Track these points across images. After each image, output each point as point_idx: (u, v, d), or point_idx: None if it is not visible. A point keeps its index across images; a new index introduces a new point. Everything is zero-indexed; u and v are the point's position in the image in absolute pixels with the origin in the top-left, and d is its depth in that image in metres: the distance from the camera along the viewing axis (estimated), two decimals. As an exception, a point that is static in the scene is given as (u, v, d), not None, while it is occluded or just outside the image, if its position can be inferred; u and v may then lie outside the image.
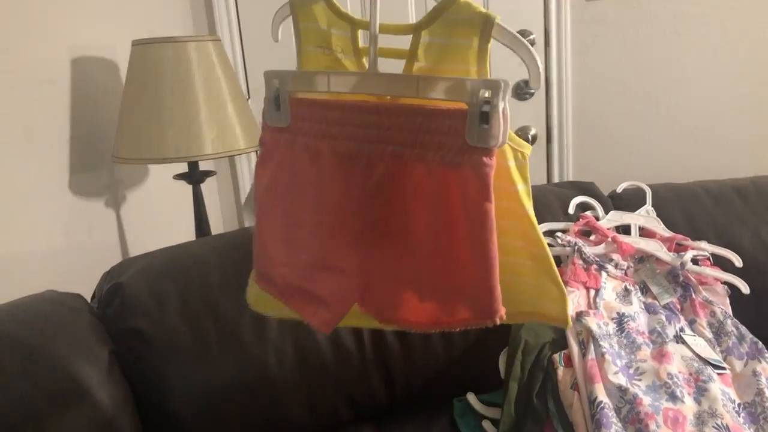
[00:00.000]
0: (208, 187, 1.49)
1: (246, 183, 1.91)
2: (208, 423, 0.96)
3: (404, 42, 0.65)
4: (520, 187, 0.64)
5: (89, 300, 1.03)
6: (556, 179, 1.87)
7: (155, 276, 0.98)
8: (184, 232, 1.65)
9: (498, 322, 0.61)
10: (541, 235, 0.66)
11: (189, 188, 1.49)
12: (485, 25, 0.58)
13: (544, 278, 0.68)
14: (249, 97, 1.85)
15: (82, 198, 1.38)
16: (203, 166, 1.48)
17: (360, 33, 0.68)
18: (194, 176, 1.43)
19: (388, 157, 0.62)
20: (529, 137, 1.83)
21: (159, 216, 1.65)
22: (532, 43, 1.77)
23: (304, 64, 0.71)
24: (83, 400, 0.85)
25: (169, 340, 0.94)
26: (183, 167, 1.46)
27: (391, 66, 0.65)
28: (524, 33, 1.77)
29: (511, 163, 0.64)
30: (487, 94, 0.57)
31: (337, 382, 1.02)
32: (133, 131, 1.30)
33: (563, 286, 0.67)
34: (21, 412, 0.79)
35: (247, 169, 1.89)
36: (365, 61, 0.67)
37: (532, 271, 0.68)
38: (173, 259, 1.01)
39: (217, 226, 1.82)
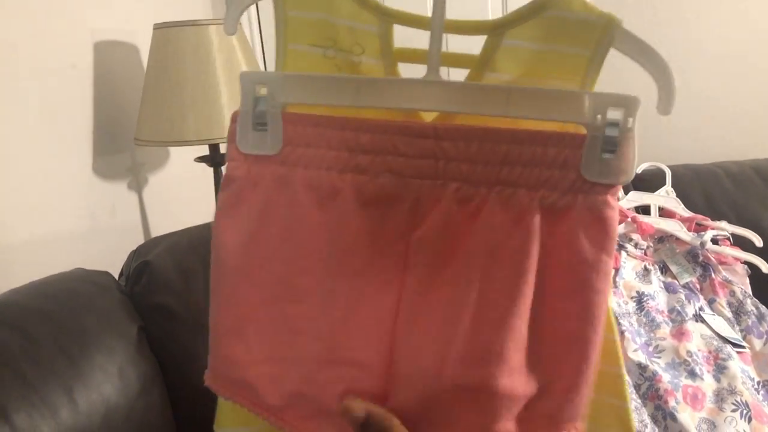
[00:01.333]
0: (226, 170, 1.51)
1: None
2: (234, 398, 0.98)
3: (467, 46, 0.49)
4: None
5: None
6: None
7: (182, 254, 1.00)
8: (204, 214, 1.67)
9: (579, 430, 0.44)
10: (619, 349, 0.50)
11: (209, 171, 1.51)
12: (607, 30, 0.45)
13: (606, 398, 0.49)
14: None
15: (105, 180, 1.40)
16: (223, 149, 1.49)
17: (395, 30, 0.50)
18: (215, 159, 1.45)
19: (450, 200, 0.45)
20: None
21: (180, 198, 1.67)
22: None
23: (289, 70, 0.50)
24: (114, 376, 0.87)
25: (196, 316, 0.96)
26: (204, 150, 1.48)
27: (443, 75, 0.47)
28: None
29: None
30: (616, 115, 0.44)
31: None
32: (155, 114, 1.32)
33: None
34: (55, 387, 0.81)
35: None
36: (399, 68, 0.49)
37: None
38: (199, 237, 1.03)
39: (236, 209, 1.84)
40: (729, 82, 1.76)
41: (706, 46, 1.74)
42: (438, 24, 0.46)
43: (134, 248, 1.07)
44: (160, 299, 0.97)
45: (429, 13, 0.46)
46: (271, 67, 1.93)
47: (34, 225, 1.19)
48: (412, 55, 0.50)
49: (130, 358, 0.90)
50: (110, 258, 1.16)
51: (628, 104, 0.44)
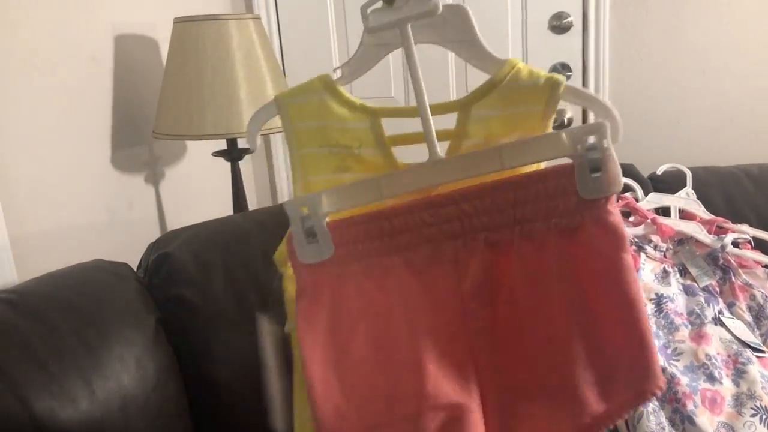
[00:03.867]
0: (243, 165, 1.52)
1: (280, 162, 1.93)
2: (249, 391, 0.98)
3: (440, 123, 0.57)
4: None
5: (134, 270, 1.05)
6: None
7: (200, 247, 1.00)
8: (221, 209, 1.68)
9: (664, 389, 0.54)
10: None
11: (226, 166, 1.51)
12: (553, 90, 0.55)
13: None
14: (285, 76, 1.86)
15: (123, 173, 1.41)
16: (241, 144, 1.50)
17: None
18: (233, 153, 1.45)
19: (482, 248, 0.54)
20: (565, 120, 1.82)
21: (197, 192, 1.67)
22: (570, 26, 1.76)
23: (305, 170, 0.62)
24: (132, 366, 0.88)
25: (214, 309, 0.96)
26: (221, 144, 1.48)
27: (422, 152, 0.57)
28: (562, 15, 1.75)
29: None
30: (591, 140, 0.51)
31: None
32: (174, 108, 1.32)
33: None
34: (74, 376, 0.82)
35: (281, 147, 1.91)
36: (394, 151, 0.60)
37: None
38: (217, 231, 1.03)
39: (251, 204, 1.85)
40: (750, 84, 1.74)
41: (726, 49, 1.72)
42: (425, 114, 0.56)
43: (151, 241, 1.08)
44: (179, 291, 0.97)
45: (395, 94, 0.60)
46: (289, 60, 1.93)
47: (53, 216, 1.20)
48: (402, 140, 0.61)
49: (147, 349, 0.90)
50: (127, 250, 1.17)
51: (599, 130, 0.51)
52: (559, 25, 1.76)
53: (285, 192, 1.96)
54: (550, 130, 0.55)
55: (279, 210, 1.11)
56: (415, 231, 0.55)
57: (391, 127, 0.62)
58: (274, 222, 1.06)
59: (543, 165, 0.56)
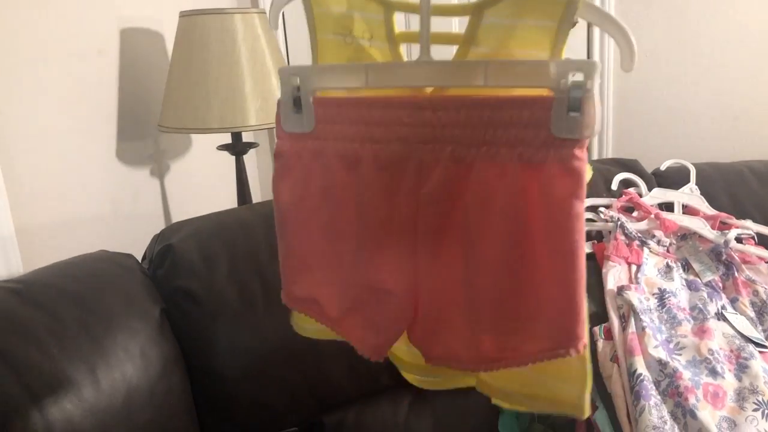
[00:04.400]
0: (247, 158, 1.52)
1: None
2: (252, 383, 0.99)
3: (453, 26, 0.56)
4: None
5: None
6: (595, 156, 1.86)
7: (205, 239, 1.01)
8: (225, 202, 1.68)
9: (581, 351, 0.51)
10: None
11: (231, 159, 1.52)
12: (570, 5, 0.50)
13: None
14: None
15: (128, 166, 1.41)
16: (245, 138, 1.50)
17: (396, 16, 0.59)
18: (237, 147, 1.45)
19: (447, 160, 0.54)
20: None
21: (201, 185, 1.68)
22: (575, 22, 1.75)
23: (322, 57, 0.62)
24: (136, 356, 0.88)
25: (218, 301, 0.97)
26: (226, 138, 1.49)
27: (436, 53, 0.56)
28: None
29: None
30: (577, 77, 0.49)
31: (378, 348, 1.04)
32: (180, 101, 1.33)
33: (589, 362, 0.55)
34: (79, 365, 0.82)
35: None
36: (402, 49, 0.59)
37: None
38: (222, 223, 1.04)
39: (255, 198, 1.85)
40: (755, 81, 1.74)
41: (731, 46, 1.72)
42: (426, 10, 0.55)
43: (155, 234, 1.08)
44: (183, 283, 0.98)
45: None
46: (294, 53, 1.93)
47: (58, 208, 1.20)
48: (411, 37, 0.58)
49: (152, 339, 0.91)
50: (132, 242, 1.17)
51: (588, 68, 0.48)
52: None
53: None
54: (562, 55, 0.51)
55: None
56: (391, 127, 0.56)
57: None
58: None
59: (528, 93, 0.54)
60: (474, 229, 0.54)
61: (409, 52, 0.61)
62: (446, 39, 0.57)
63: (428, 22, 0.55)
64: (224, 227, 1.03)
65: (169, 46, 1.53)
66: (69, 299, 0.87)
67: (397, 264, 0.58)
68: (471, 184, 0.53)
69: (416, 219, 0.56)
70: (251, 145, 1.48)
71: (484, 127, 0.52)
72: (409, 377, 0.74)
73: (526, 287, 0.53)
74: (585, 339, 0.51)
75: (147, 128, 1.48)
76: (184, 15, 1.34)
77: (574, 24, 0.51)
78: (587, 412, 0.56)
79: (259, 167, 1.97)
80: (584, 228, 0.50)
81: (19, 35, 1.12)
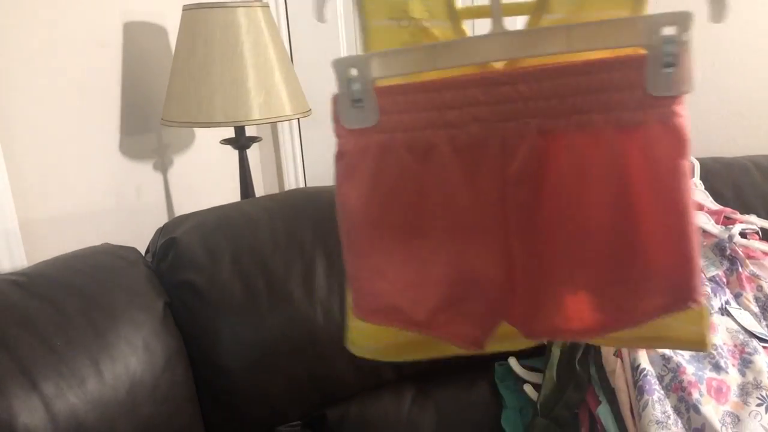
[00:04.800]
0: (250, 152, 1.52)
1: (288, 151, 1.93)
2: (256, 376, 0.99)
3: None
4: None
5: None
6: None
7: (208, 232, 1.01)
8: (228, 196, 1.68)
9: (701, 302, 0.50)
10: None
11: (234, 154, 1.52)
12: None
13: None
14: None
15: (131, 160, 1.41)
16: (248, 132, 1.50)
17: None
18: (241, 141, 1.45)
19: (534, 134, 0.51)
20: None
21: (204, 180, 1.68)
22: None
23: (373, 45, 0.58)
24: (139, 349, 0.88)
25: (221, 294, 0.97)
26: (229, 132, 1.49)
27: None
28: None
29: None
30: (670, 31, 0.46)
31: (381, 342, 1.04)
32: (183, 95, 1.33)
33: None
34: (82, 357, 0.82)
35: (288, 136, 1.91)
36: (465, 26, 0.55)
37: None
38: (225, 216, 1.04)
39: (258, 192, 1.85)
40: (760, 77, 1.73)
41: (736, 42, 1.71)
42: None
43: (158, 227, 1.08)
44: (186, 276, 0.98)
45: None
46: (297, 47, 1.93)
47: (62, 201, 1.20)
48: (474, 12, 0.56)
49: (155, 332, 0.91)
50: (135, 236, 1.17)
51: (681, 20, 0.45)
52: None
53: (292, 180, 1.96)
54: (646, 11, 0.49)
55: (287, 196, 1.12)
56: (465, 108, 0.52)
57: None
58: (282, 208, 1.07)
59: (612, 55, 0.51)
60: (574, 200, 0.51)
61: (472, 30, 0.57)
62: (517, 9, 0.54)
63: None
64: (228, 220, 1.03)
65: (173, 39, 1.52)
66: (73, 292, 0.87)
67: (488, 250, 0.55)
68: (563, 155, 0.50)
69: (504, 200, 0.53)
70: (254, 139, 1.48)
71: (572, 95, 0.49)
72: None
73: (638, 248, 0.51)
74: (703, 291, 0.51)
75: (150, 122, 1.48)
76: (187, 9, 1.33)
77: None
78: (710, 346, 0.57)
79: (262, 161, 1.97)
80: (691, 185, 0.48)
81: (21, 29, 1.12)
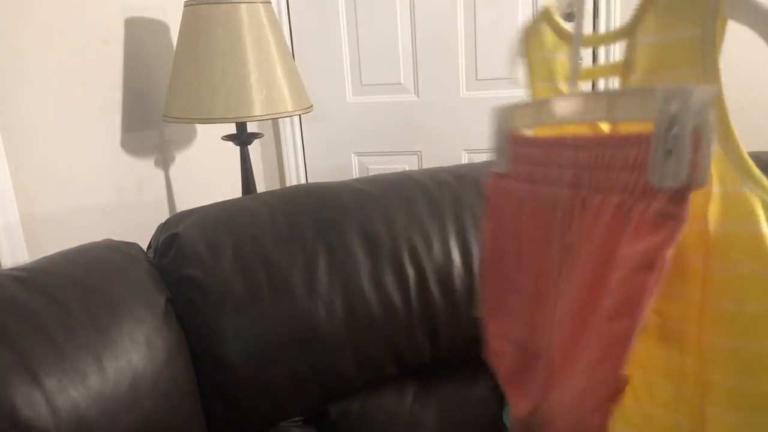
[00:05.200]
0: (252, 148, 1.52)
1: (289, 147, 1.93)
2: (258, 371, 0.99)
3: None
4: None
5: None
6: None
7: (210, 227, 1.01)
8: (230, 192, 1.68)
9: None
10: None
11: (235, 150, 1.52)
12: (711, 2, 0.41)
13: None
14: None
15: (133, 156, 1.41)
16: (250, 128, 1.50)
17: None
18: (242, 137, 1.45)
19: (579, 207, 0.48)
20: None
21: (206, 176, 1.68)
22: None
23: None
24: (142, 344, 0.88)
25: (223, 290, 0.97)
26: (231, 128, 1.49)
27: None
28: (572, 2, 1.74)
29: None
30: (677, 107, 0.39)
31: (384, 338, 1.04)
32: (185, 91, 1.33)
33: None
34: (84, 353, 0.82)
35: (290, 132, 1.91)
36: (583, 86, 0.54)
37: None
38: (227, 212, 1.04)
39: (259, 188, 1.86)
40: (761, 74, 1.73)
41: (738, 39, 1.70)
42: (576, 43, 0.53)
43: (160, 223, 1.08)
44: (188, 271, 0.98)
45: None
46: (299, 43, 1.92)
47: (63, 197, 1.21)
48: (593, 73, 0.55)
49: (157, 328, 0.91)
50: (136, 232, 1.18)
51: (681, 95, 0.38)
52: (571, 12, 1.75)
53: (293, 175, 1.96)
54: (717, 75, 0.42)
55: (288, 192, 1.12)
56: (546, 168, 0.53)
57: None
58: (283, 204, 1.07)
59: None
60: (578, 275, 0.48)
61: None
62: (609, 70, 0.52)
63: (578, 52, 0.53)
64: (229, 216, 1.03)
65: (174, 35, 1.52)
66: (74, 287, 0.87)
67: (543, 321, 0.53)
68: (595, 234, 0.46)
69: (557, 273, 0.51)
70: (256, 135, 1.48)
71: (604, 170, 0.45)
72: None
73: (585, 338, 0.46)
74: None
75: (152, 118, 1.48)
76: (189, 5, 1.33)
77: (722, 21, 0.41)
78: None
79: (263, 157, 1.97)
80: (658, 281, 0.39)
81: (24, 25, 1.12)
